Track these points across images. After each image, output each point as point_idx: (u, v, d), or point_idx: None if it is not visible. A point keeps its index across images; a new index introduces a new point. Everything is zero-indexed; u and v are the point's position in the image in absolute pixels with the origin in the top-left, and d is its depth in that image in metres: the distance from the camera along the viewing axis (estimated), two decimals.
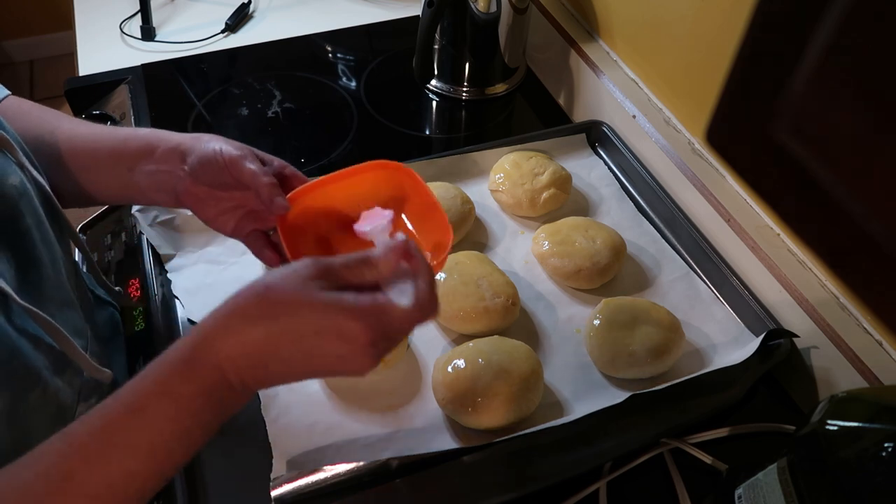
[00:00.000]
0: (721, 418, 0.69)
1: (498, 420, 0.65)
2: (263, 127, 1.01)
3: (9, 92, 0.65)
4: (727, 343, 0.75)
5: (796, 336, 0.71)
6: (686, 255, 0.83)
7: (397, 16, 1.24)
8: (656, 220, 0.88)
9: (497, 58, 1.06)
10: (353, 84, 1.11)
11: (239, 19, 1.20)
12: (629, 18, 0.95)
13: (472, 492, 0.61)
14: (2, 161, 0.56)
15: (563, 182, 0.86)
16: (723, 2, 0.76)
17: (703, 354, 0.74)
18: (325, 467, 0.61)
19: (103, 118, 0.93)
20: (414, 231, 0.66)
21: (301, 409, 0.67)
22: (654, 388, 0.66)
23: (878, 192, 0.27)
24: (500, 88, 1.10)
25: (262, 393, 0.67)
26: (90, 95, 1.04)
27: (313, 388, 0.69)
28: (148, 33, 1.15)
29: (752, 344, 0.70)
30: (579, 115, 1.05)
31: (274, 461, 0.63)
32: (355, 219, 0.62)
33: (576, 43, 1.02)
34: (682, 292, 0.80)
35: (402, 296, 0.46)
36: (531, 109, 1.10)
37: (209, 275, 0.79)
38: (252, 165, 0.60)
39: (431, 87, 1.10)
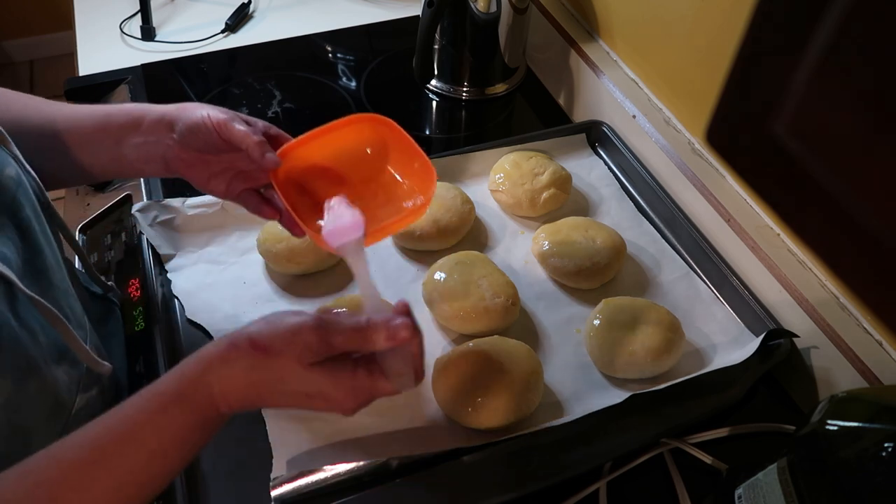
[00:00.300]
0: (721, 418, 0.69)
1: (498, 420, 0.65)
2: None
3: None
4: (727, 343, 0.75)
5: (796, 336, 0.71)
6: (686, 255, 0.83)
7: (397, 16, 1.24)
8: (656, 220, 0.88)
9: (497, 58, 1.06)
10: (353, 84, 1.11)
11: (239, 19, 1.20)
12: (629, 18, 0.95)
13: (472, 492, 0.61)
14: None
15: (563, 182, 0.86)
16: (723, 2, 0.76)
17: (703, 354, 0.74)
18: (325, 467, 0.61)
19: None
20: (401, 179, 0.68)
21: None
22: (654, 388, 0.66)
23: (878, 191, 0.27)
24: (500, 88, 1.10)
25: None
26: (90, 95, 1.04)
27: None
28: (148, 33, 1.15)
29: (752, 344, 0.70)
30: (579, 115, 1.05)
31: (274, 461, 0.63)
32: (343, 172, 0.67)
33: (576, 43, 1.02)
34: (682, 292, 0.80)
35: (392, 371, 0.52)
36: (531, 109, 1.10)
37: (209, 275, 0.79)
38: (241, 126, 0.62)
39: (431, 87, 1.10)
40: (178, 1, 1.25)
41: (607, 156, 0.95)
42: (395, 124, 0.67)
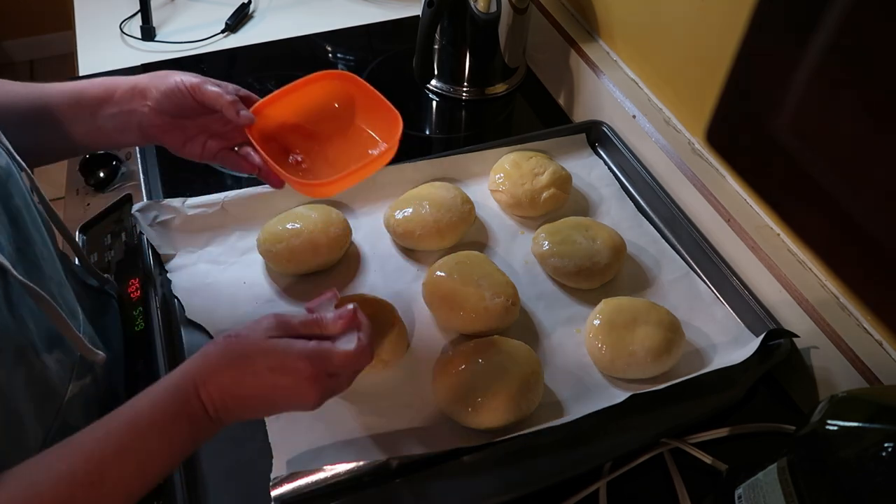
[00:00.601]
0: (721, 418, 0.69)
1: (498, 420, 0.65)
2: None
3: None
4: (727, 343, 0.75)
5: (796, 336, 0.71)
6: (686, 255, 0.83)
7: (397, 16, 1.24)
8: (656, 220, 0.88)
9: (497, 58, 1.06)
10: None
11: (239, 19, 1.20)
12: (629, 18, 0.95)
13: (472, 492, 0.61)
14: None
15: (563, 182, 0.86)
16: (723, 2, 0.76)
17: (703, 354, 0.74)
18: (325, 467, 0.61)
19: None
20: (369, 130, 0.73)
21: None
22: (654, 388, 0.66)
23: (878, 191, 0.27)
24: (500, 88, 1.10)
25: None
26: None
27: None
28: (148, 33, 1.15)
29: (752, 344, 0.70)
30: (579, 115, 1.05)
31: (274, 461, 0.63)
32: (313, 126, 0.72)
33: (576, 43, 1.02)
34: (682, 292, 0.80)
35: (344, 343, 0.56)
36: (531, 109, 1.10)
37: (209, 275, 0.79)
38: (213, 87, 0.66)
39: (431, 87, 1.10)
40: (178, 1, 1.25)
41: (607, 156, 0.95)
42: (359, 79, 0.71)
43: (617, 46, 0.99)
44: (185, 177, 0.92)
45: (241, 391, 0.53)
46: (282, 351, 0.54)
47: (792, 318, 0.72)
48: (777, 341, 0.71)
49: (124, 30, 1.17)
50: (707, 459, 0.66)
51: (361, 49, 1.18)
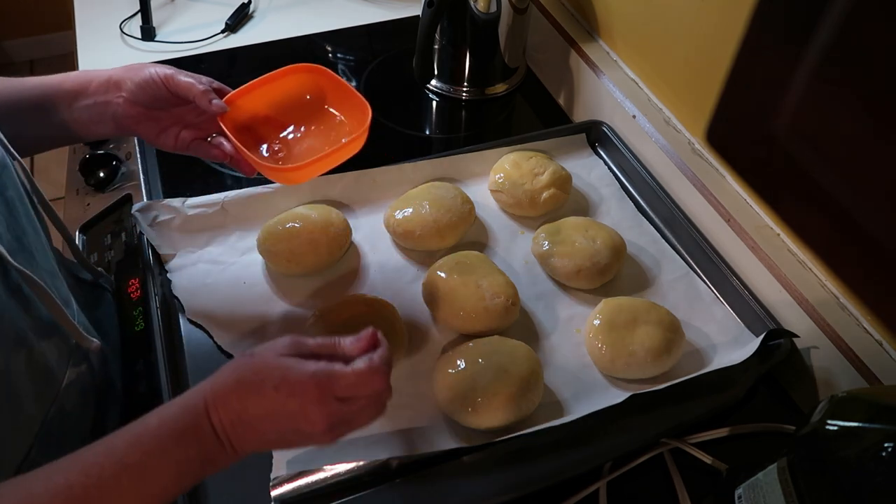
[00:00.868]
0: (721, 418, 0.69)
1: (498, 420, 0.65)
2: None
3: None
4: (727, 343, 0.75)
5: (796, 336, 0.71)
6: (686, 255, 0.83)
7: (397, 16, 1.24)
8: (656, 220, 0.88)
9: (497, 58, 1.06)
10: (353, 84, 1.11)
11: (239, 19, 1.20)
12: (629, 18, 0.95)
13: (472, 492, 0.61)
14: None
15: (563, 182, 0.86)
16: (722, 2, 0.76)
17: (703, 354, 0.74)
18: (325, 467, 0.61)
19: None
20: (340, 118, 0.76)
21: None
22: (654, 388, 0.66)
23: (878, 191, 0.27)
24: (500, 88, 1.10)
25: None
26: None
27: None
28: (148, 33, 1.15)
29: (752, 344, 0.70)
30: (579, 115, 1.05)
31: (274, 461, 0.63)
32: (285, 117, 0.75)
33: (576, 43, 1.02)
34: (682, 292, 0.80)
35: (355, 364, 0.52)
36: (531, 109, 1.10)
37: (209, 275, 0.79)
38: (187, 78, 0.68)
39: (431, 87, 1.10)
40: (178, 1, 1.25)
41: (607, 156, 0.95)
42: (329, 71, 0.74)
43: (617, 46, 0.99)
44: (185, 177, 0.92)
45: (247, 415, 0.50)
46: (287, 369, 0.51)
47: (792, 318, 0.72)
48: (777, 341, 0.71)
49: (124, 30, 1.17)
50: (707, 459, 0.66)
51: (361, 49, 1.18)
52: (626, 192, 0.91)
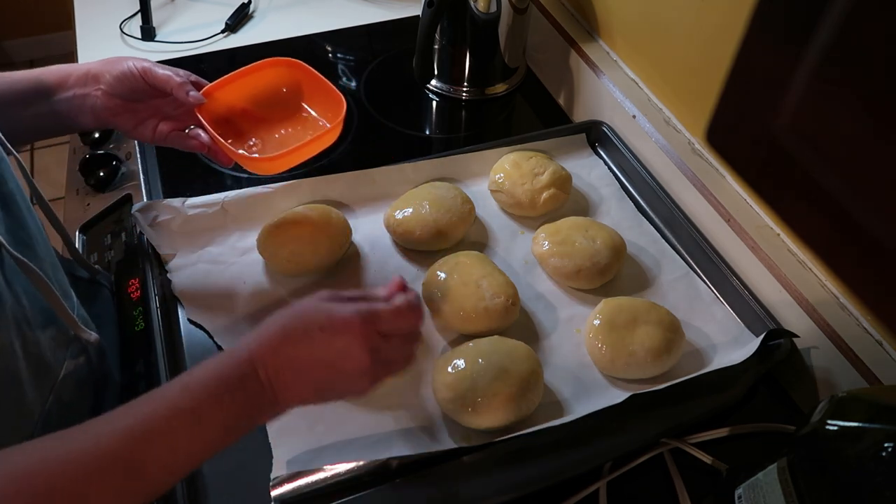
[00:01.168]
0: (721, 418, 0.69)
1: (498, 420, 0.65)
2: None
3: None
4: (727, 343, 0.75)
5: (796, 336, 0.71)
6: (686, 255, 0.83)
7: (397, 16, 1.24)
8: (656, 220, 0.88)
9: (497, 58, 1.06)
10: (354, 84, 1.11)
11: (239, 19, 1.20)
12: (629, 18, 0.95)
13: (472, 492, 0.61)
14: None
15: (563, 182, 0.86)
16: (723, 2, 0.76)
17: (703, 354, 0.74)
18: (325, 467, 0.61)
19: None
20: (314, 112, 0.78)
21: (301, 409, 0.67)
22: (654, 388, 0.66)
23: (878, 191, 0.27)
24: (500, 88, 1.10)
25: None
26: None
27: None
28: (148, 33, 1.15)
29: (752, 344, 0.70)
30: (579, 115, 1.05)
31: (274, 461, 0.63)
32: (262, 109, 0.77)
33: (576, 43, 1.02)
34: (682, 292, 0.80)
35: (395, 300, 0.56)
36: (531, 109, 1.10)
37: (209, 275, 0.79)
38: (164, 70, 0.69)
39: (431, 87, 1.10)
40: (178, 1, 1.25)
41: (607, 156, 0.95)
42: (305, 65, 0.76)
43: (617, 46, 0.99)
44: (185, 177, 0.92)
45: (295, 362, 0.51)
46: (330, 310, 0.53)
47: (792, 318, 0.72)
48: (777, 341, 0.71)
49: (124, 30, 1.17)
50: (707, 459, 0.66)
51: (361, 49, 1.18)
52: (626, 192, 0.91)
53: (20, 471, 0.43)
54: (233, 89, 0.75)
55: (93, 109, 0.69)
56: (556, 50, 1.06)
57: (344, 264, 0.81)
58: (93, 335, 0.65)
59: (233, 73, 0.75)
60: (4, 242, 0.54)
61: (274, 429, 0.65)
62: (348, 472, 0.61)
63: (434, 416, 0.68)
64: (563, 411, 0.69)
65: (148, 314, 0.74)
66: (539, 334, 0.76)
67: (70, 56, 1.12)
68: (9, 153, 0.61)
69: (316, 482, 0.61)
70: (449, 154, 0.91)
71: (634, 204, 0.90)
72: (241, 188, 0.84)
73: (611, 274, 0.79)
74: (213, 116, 0.73)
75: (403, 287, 0.58)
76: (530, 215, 0.87)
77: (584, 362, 0.73)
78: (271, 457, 0.63)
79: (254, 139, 0.76)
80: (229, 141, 0.74)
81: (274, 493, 0.60)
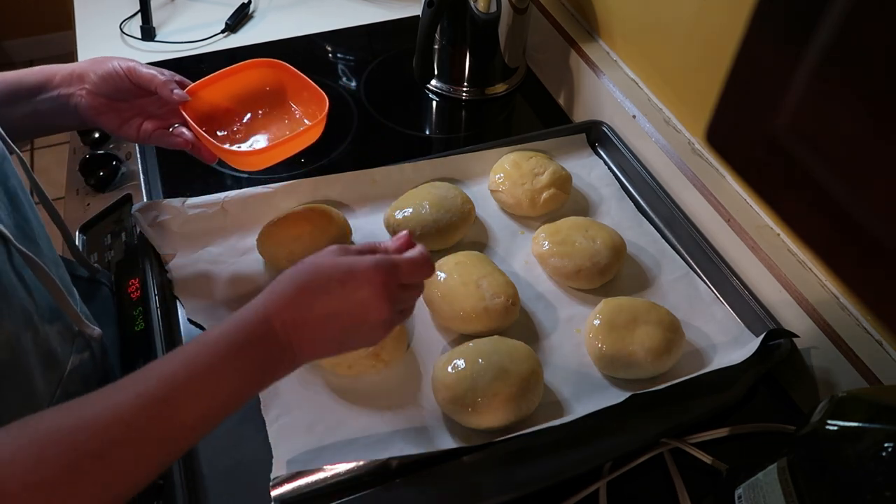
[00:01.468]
0: (721, 418, 0.69)
1: (498, 420, 0.65)
2: None
3: None
4: (727, 343, 0.75)
5: (796, 336, 0.71)
6: (686, 255, 0.83)
7: (397, 16, 1.24)
8: (656, 220, 0.88)
9: (497, 58, 1.06)
10: (354, 84, 1.11)
11: (239, 19, 1.20)
12: (629, 18, 0.95)
13: (472, 492, 0.61)
14: None
15: (563, 182, 0.86)
16: (722, 2, 0.76)
17: (703, 354, 0.74)
18: (325, 467, 0.61)
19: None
20: (299, 111, 0.79)
21: (301, 409, 0.67)
22: (654, 388, 0.66)
23: (878, 191, 0.27)
24: (500, 88, 1.10)
25: (262, 393, 0.67)
26: None
27: (314, 387, 0.69)
28: (148, 33, 1.15)
29: (752, 344, 0.70)
30: (579, 115, 1.05)
31: (274, 461, 0.63)
32: (247, 109, 0.78)
33: (576, 43, 1.02)
34: (682, 292, 0.80)
35: (408, 254, 0.57)
36: (531, 109, 1.10)
37: (209, 275, 0.79)
38: (148, 69, 0.70)
39: (431, 87, 1.10)
40: (178, 1, 1.25)
41: (607, 156, 0.95)
42: (289, 66, 0.77)
43: (617, 46, 0.99)
44: (185, 177, 0.92)
45: (314, 312, 0.52)
46: (350, 263, 0.53)
47: (792, 318, 0.72)
48: (777, 341, 0.71)
49: (124, 30, 1.17)
50: (707, 459, 0.66)
51: (361, 49, 1.18)
52: (626, 192, 0.91)
53: (43, 436, 0.43)
54: (217, 89, 0.76)
55: (77, 109, 0.70)
56: (556, 50, 1.06)
57: None
58: (96, 330, 0.65)
59: (217, 72, 0.76)
60: (12, 238, 0.55)
61: (274, 429, 0.65)
62: (348, 472, 0.61)
63: (434, 416, 0.68)
64: (563, 411, 0.69)
65: (148, 314, 0.74)
66: (539, 334, 0.76)
67: (70, 56, 1.12)
68: (11, 151, 0.61)
69: (316, 482, 0.61)
70: (449, 154, 0.91)
71: (634, 204, 0.90)
72: (241, 188, 0.84)
73: (611, 274, 0.79)
74: (197, 115, 0.73)
75: (411, 241, 0.59)
76: (530, 215, 0.87)
77: (584, 362, 0.73)
78: (271, 457, 0.63)
79: (238, 134, 0.77)
80: (213, 136, 0.75)
81: (274, 493, 0.60)
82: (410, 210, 0.81)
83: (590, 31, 1.04)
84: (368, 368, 0.69)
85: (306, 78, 0.77)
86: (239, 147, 0.76)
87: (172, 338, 0.73)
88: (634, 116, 0.92)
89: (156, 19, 1.17)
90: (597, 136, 0.97)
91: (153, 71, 0.70)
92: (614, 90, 0.95)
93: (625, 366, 0.70)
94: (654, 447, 0.67)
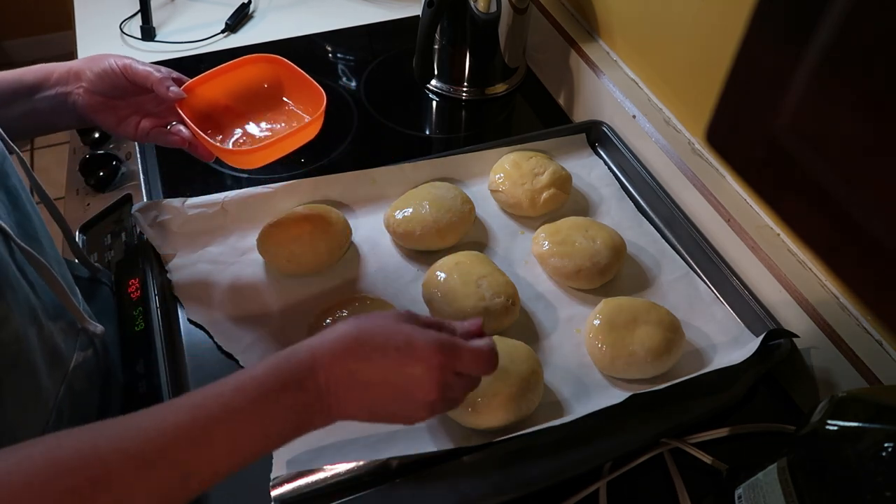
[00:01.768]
0: (721, 418, 0.69)
1: (498, 420, 0.65)
2: None
3: None
4: (727, 343, 0.75)
5: (796, 336, 0.71)
6: (686, 255, 0.83)
7: (397, 16, 1.24)
8: (656, 220, 0.88)
9: (497, 58, 1.06)
10: (354, 84, 1.11)
11: (239, 19, 1.20)
12: (629, 18, 0.95)
13: (472, 492, 0.61)
14: None
15: (563, 182, 0.86)
16: (722, 2, 0.76)
17: (703, 354, 0.74)
18: (325, 467, 0.61)
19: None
20: (296, 107, 0.79)
21: None
22: (654, 388, 0.66)
23: (878, 191, 0.27)
24: (500, 88, 1.10)
25: None
26: None
27: None
28: (148, 33, 1.15)
29: (752, 344, 0.70)
30: (579, 115, 1.05)
31: (274, 461, 0.63)
32: (244, 105, 0.77)
33: (576, 43, 1.02)
34: (682, 292, 0.80)
35: (474, 343, 0.53)
36: (531, 109, 1.10)
37: (209, 275, 0.79)
38: (144, 66, 0.70)
39: (431, 87, 1.10)
40: (178, 1, 1.25)
41: (607, 156, 0.95)
42: (286, 61, 0.77)
43: (617, 46, 0.99)
44: (185, 177, 0.92)
45: (362, 375, 0.49)
46: (411, 334, 0.51)
47: (792, 318, 0.72)
48: (777, 341, 0.71)
49: (124, 30, 1.17)
50: (707, 459, 0.66)
51: (361, 49, 1.18)
52: (626, 192, 0.91)
53: (64, 454, 0.41)
54: (214, 85, 0.75)
55: (75, 107, 0.70)
56: (556, 50, 1.06)
57: (344, 264, 0.81)
58: (99, 327, 0.66)
59: (214, 69, 0.75)
60: (13, 234, 0.55)
61: None
62: (348, 472, 0.61)
63: (434, 416, 0.68)
64: (563, 411, 0.69)
65: (148, 314, 0.74)
66: (539, 334, 0.76)
67: (70, 56, 1.12)
68: (11, 151, 0.61)
69: (316, 482, 0.61)
70: (449, 154, 0.91)
71: (634, 204, 0.90)
72: (241, 188, 0.84)
73: (611, 274, 0.79)
74: (194, 112, 0.73)
75: (481, 330, 0.55)
76: (530, 215, 0.87)
77: (584, 362, 0.73)
78: (271, 457, 0.63)
79: (236, 131, 0.77)
80: (210, 134, 0.75)
81: (274, 493, 0.60)
82: (410, 210, 0.81)
83: (590, 31, 1.04)
84: None
85: (304, 73, 0.76)
86: (238, 144, 0.76)
87: (172, 338, 0.73)
88: (634, 116, 0.92)
89: (156, 19, 1.17)
90: (597, 136, 0.97)
91: (149, 68, 0.70)
92: (614, 90, 0.95)
93: (625, 366, 0.70)
94: (654, 447, 0.67)
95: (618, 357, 0.70)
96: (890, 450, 0.44)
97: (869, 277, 0.29)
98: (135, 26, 1.16)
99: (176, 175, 0.92)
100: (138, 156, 0.93)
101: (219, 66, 0.76)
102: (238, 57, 0.77)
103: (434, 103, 1.09)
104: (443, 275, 0.75)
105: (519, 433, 0.63)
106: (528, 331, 0.76)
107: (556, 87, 1.10)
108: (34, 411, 0.57)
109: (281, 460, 0.63)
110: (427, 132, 1.06)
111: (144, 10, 1.15)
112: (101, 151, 0.94)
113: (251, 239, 0.81)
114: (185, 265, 0.79)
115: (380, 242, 0.84)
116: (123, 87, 0.70)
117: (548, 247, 0.79)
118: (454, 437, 0.66)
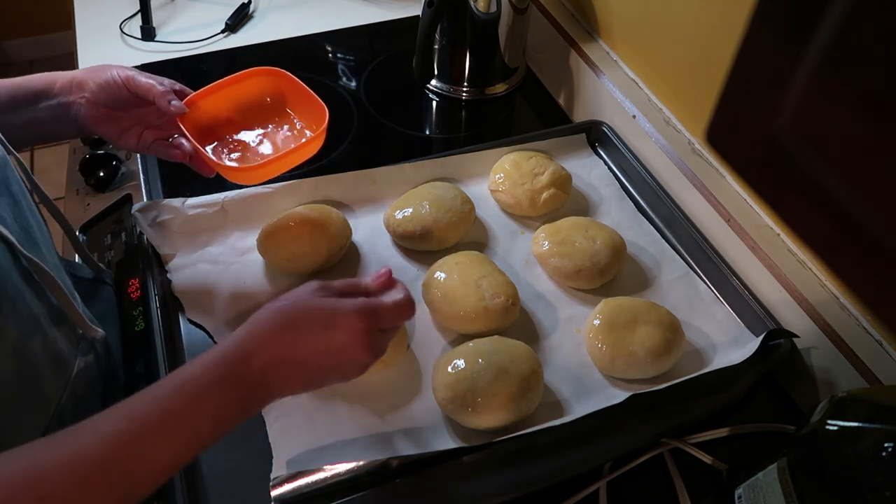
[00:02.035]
0: (721, 418, 0.69)
1: (498, 420, 0.65)
2: None
3: None
4: (727, 343, 0.75)
5: (796, 336, 0.71)
6: (686, 255, 0.83)
7: (397, 16, 1.24)
8: (656, 220, 0.88)
9: (497, 58, 1.06)
10: (353, 84, 1.11)
11: (239, 19, 1.20)
12: (629, 18, 0.95)
13: (472, 492, 0.61)
14: None
15: (563, 182, 0.86)
16: (722, 2, 0.76)
17: (703, 354, 0.74)
18: (325, 467, 0.61)
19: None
20: (298, 121, 0.78)
21: (301, 409, 0.67)
22: (654, 388, 0.66)
23: (878, 191, 0.27)
24: (500, 88, 1.10)
25: None
26: None
27: None
28: (148, 33, 1.15)
29: (752, 344, 0.70)
30: (579, 115, 1.05)
31: (274, 461, 0.63)
32: (246, 119, 0.77)
33: (576, 43, 1.02)
34: (682, 292, 0.80)
35: (389, 296, 0.57)
36: (531, 109, 1.10)
37: (209, 275, 0.79)
38: (147, 78, 0.70)
39: (431, 87, 1.10)
40: (178, 1, 1.25)
41: (607, 156, 0.95)
42: (289, 74, 0.77)
43: (617, 46, 0.99)
44: (185, 177, 0.91)
45: (296, 354, 0.52)
46: (332, 307, 0.54)
47: (792, 318, 0.72)
48: (777, 341, 0.71)
49: (124, 30, 1.17)
50: (707, 459, 0.66)
51: (361, 49, 1.18)
52: (626, 192, 0.91)
53: (6, 478, 0.42)
54: (217, 98, 0.75)
55: (77, 117, 0.70)
56: (556, 50, 1.06)
57: (344, 264, 0.81)
58: (99, 332, 0.66)
59: (216, 82, 0.75)
60: (17, 243, 0.55)
61: (274, 429, 0.65)
62: (348, 472, 0.61)
63: (434, 416, 0.68)
64: (563, 411, 0.69)
65: (148, 314, 0.74)
66: (539, 334, 0.76)
67: (70, 56, 1.12)
68: (9, 153, 0.61)
69: (316, 482, 0.61)
70: (449, 154, 0.91)
71: (634, 204, 0.90)
72: (241, 188, 0.84)
73: (611, 274, 0.79)
74: (196, 126, 0.73)
75: (392, 279, 0.59)
76: (530, 215, 0.87)
77: (584, 362, 0.73)
78: (271, 457, 0.63)
79: (238, 145, 0.76)
80: (210, 148, 0.74)
81: (274, 493, 0.60)
82: (410, 210, 0.81)
83: (590, 31, 1.04)
84: (369, 369, 0.69)
85: (307, 88, 0.76)
86: (239, 160, 0.75)
87: (172, 338, 0.73)
88: (634, 116, 0.92)
89: (156, 19, 1.17)
90: (597, 136, 0.97)
91: (151, 80, 0.70)
92: (614, 90, 0.95)
93: (625, 366, 0.70)
94: (654, 447, 0.67)
95: (618, 357, 0.70)
96: (890, 450, 0.44)
97: (869, 277, 0.29)
98: (135, 26, 1.16)
99: (176, 175, 0.92)
100: (138, 156, 0.93)
101: (221, 80, 0.75)
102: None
103: (434, 103, 1.09)
104: (443, 275, 0.75)
105: (519, 433, 0.63)
106: (528, 331, 0.76)
107: (556, 87, 1.10)
108: (34, 419, 0.57)
109: (281, 460, 0.63)
110: (427, 132, 1.06)
111: (144, 9, 1.15)
112: (101, 151, 0.94)
113: (251, 239, 0.81)
114: (185, 265, 0.79)
115: (380, 242, 0.84)
116: (125, 98, 0.70)
117: (548, 247, 0.79)
118: (454, 437, 0.66)
